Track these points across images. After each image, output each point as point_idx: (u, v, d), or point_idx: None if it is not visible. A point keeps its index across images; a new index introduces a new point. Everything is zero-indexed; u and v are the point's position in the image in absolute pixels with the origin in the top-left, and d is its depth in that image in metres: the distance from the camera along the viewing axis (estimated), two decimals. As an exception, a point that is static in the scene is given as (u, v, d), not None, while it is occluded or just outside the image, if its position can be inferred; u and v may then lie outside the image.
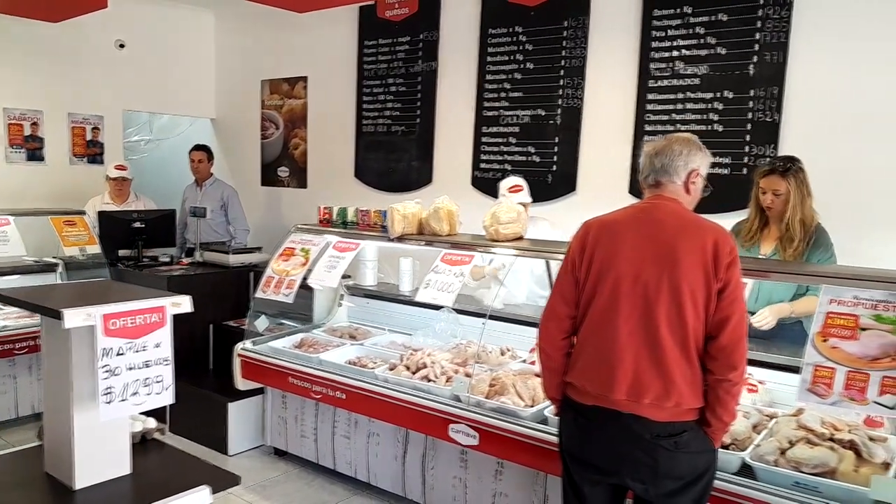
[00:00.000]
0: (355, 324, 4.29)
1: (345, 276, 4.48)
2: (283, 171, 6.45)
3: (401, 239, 3.63)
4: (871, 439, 2.38)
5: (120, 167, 5.54)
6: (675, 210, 2.11)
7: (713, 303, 1.98)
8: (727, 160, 3.96)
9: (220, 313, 4.65)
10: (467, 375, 3.18)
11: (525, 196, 3.92)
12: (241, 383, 3.90)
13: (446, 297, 3.18)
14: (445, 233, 3.54)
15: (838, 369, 2.19)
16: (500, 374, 3.09)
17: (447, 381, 3.15)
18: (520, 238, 3.39)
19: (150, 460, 2.23)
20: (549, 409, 2.76)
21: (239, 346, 3.89)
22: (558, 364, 2.17)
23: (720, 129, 3.99)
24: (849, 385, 2.15)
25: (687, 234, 2.03)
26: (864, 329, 2.23)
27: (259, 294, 3.92)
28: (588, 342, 2.10)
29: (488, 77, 4.94)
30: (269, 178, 6.58)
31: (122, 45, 6.30)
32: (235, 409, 4.05)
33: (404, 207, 3.61)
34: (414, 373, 3.26)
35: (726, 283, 1.99)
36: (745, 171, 3.90)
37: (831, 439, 2.35)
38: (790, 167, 3.17)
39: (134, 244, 4.97)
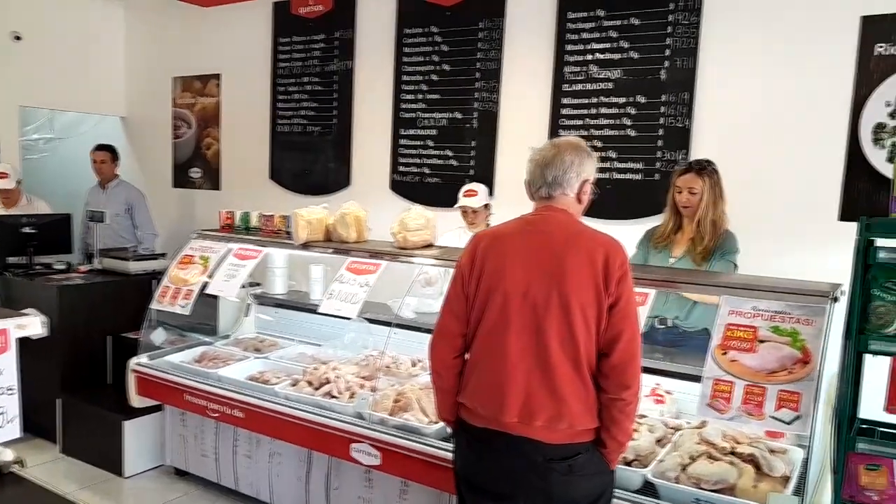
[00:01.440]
0: (263, 335, 4.09)
1: (253, 285, 4.29)
2: (195, 173, 6.16)
3: (306, 246, 3.46)
4: (771, 451, 2.36)
5: (1, 175, 5.08)
6: (564, 222, 2.02)
7: (604, 319, 1.90)
8: (639, 165, 3.95)
9: (119, 324, 4.36)
10: (373, 390, 3.04)
11: (481, 199, 3.94)
12: (136, 400, 3.65)
13: (350, 308, 3.03)
14: (353, 240, 3.40)
15: (737, 383, 2.15)
16: (405, 389, 2.96)
17: (351, 397, 3.00)
18: (429, 245, 3.28)
19: (3, 499, 2.01)
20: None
21: (133, 360, 3.64)
22: (450, 384, 2.05)
23: (633, 134, 3.97)
24: (747, 399, 2.11)
25: (576, 247, 1.94)
26: (762, 341, 2.19)
27: (154, 305, 3.68)
28: (479, 362, 1.99)
29: (405, 78, 4.81)
30: (181, 179, 6.28)
31: (17, 38, 5.88)
32: (132, 428, 3.79)
33: (309, 213, 3.44)
34: (317, 389, 3.10)
35: (617, 299, 1.90)
36: (657, 176, 3.89)
37: (732, 453, 2.31)
38: (706, 167, 3.22)
39: (24, 251, 4.62)
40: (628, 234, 3.85)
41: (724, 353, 2.21)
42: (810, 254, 3.46)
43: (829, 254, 3.40)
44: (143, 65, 6.46)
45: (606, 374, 1.90)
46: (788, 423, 2.03)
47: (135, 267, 4.57)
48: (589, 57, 4.08)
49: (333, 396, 3.03)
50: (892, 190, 1.90)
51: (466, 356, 2.06)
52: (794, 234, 3.55)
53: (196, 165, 6.14)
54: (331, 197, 5.04)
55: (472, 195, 3.93)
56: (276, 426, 3.08)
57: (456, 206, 3.97)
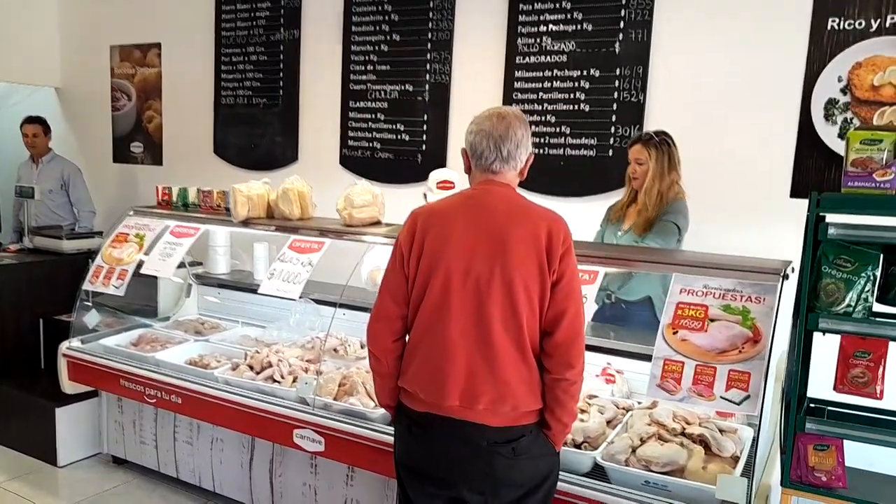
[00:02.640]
0: (205, 317, 3.92)
1: (195, 264, 4.12)
2: (136, 147, 5.88)
3: (246, 223, 3.30)
4: (721, 431, 2.33)
5: None
6: (507, 196, 1.93)
7: (547, 297, 1.82)
8: (593, 141, 3.87)
9: (52, 306, 4.14)
10: (318, 374, 2.93)
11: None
12: (69, 386, 3.47)
13: (292, 289, 2.90)
14: (296, 216, 3.25)
15: (687, 363, 2.10)
16: (351, 372, 2.85)
17: (294, 382, 2.88)
18: (377, 223, 3.15)
19: None
20: (400, 410, 2.55)
21: (64, 344, 3.45)
22: (390, 369, 1.95)
23: (587, 108, 3.88)
24: (697, 380, 2.06)
25: (519, 222, 1.85)
26: (713, 320, 2.15)
27: (87, 286, 3.49)
28: (420, 344, 1.89)
29: (354, 48, 4.63)
30: (121, 153, 5.99)
31: (-63, 1, 5.50)
32: (65, 415, 3.61)
33: (249, 188, 3.28)
34: (258, 373, 2.97)
35: (560, 276, 1.83)
36: (610, 152, 3.82)
37: (683, 433, 2.27)
38: (652, 138, 3.19)
39: (-52, 230, 4.35)
40: (582, 211, 3.79)
41: (675, 333, 2.16)
42: (762, 230, 3.45)
43: (780, 230, 3.39)
44: (78, 32, 6.11)
45: (550, 354, 1.83)
46: (738, 404, 1.98)
47: (69, 246, 4.35)
48: (542, 28, 3.96)
49: (276, 381, 2.91)
50: (844, 165, 1.85)
51: (406, 339, 1.96)
52: (746, 211, 3.52)
53: (137, 139, 5.86)
54: (278, 172, 4.87)
55: (450, 187, 3.63)
56: (215, 412, 2.95)
57: (431, 199, 3.68)
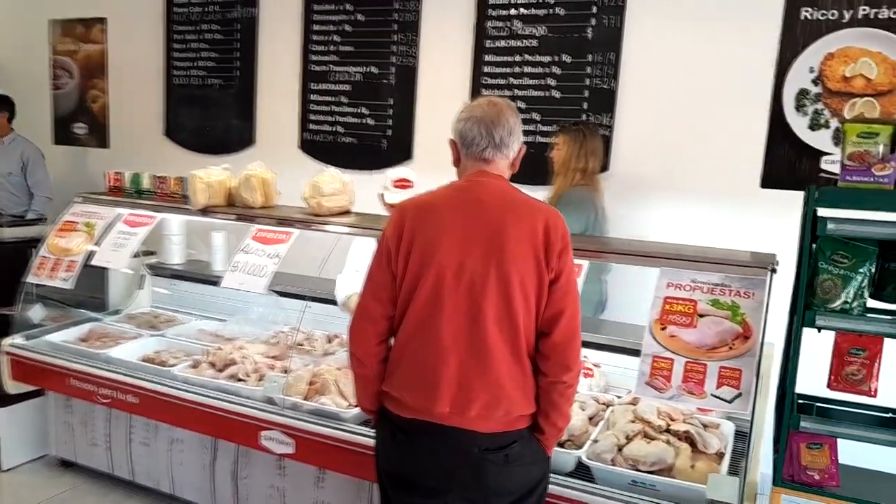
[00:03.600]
0: (159, 310, 3.72)
1: (148, 254, 3.90)
2: (80, 128, 5.56)
3: (205, 212, 3.12)
4: (704, 426, 2.29)
5: None
6: (501, 188, 1.83)
7: (545, 296, 1.73)
8: (565, 128, 3.79)
9: (-10, 299, 3.87)
10: (285, 371, 2.79)
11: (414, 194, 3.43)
12: (12, 386, 3.24)
13: (257, 282, 2.74)
14: (259, 205, 3.09)
15: (676, 360, 2.05)
16: (321, 370, 2.72)
17: (260, 380, 2.74)
18: (347, 212, 3.01)
19: None
20: (375, 409, 2.44)
21: (6, 341, 3.22)
22: (374, 372, 1.83)
23: (558, 95, 3.81)
24: (687, 377, 2.01)
25: (516, 217, 1.75)
26: (701, 315, 2.09)
27: (31, 278, 3.25)
28: (408, 347, 1.78)
29: (315, 28, 4.44)
30: (63, 135, 5.66)
31: None
32: (8, 416, 3.37)
33: (208, 175, 3.09)
34: (220, 370, 2.81)
35: (559, 274, 1.74)
36: (582, 140, 3.75)
37: (668, 430, 2.23)
38: (569, 126, 3.42)
39: None
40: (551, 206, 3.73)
41: (663, 329, 2.10)
42: (733, 220, 3.45)
43: (751, 221, 3.40)
44: (12, 5, 5.73)
45: (547, 356, 1.74)
46: (730, 402, 1.94)
47: (9, 233, 4.07)
48: (513, 11, 3.86)
49: (240, 379, 2.76)
50: (841, 158, 1.81)
51: (391, 341, 1.84)
52: (716, 201, 3.51)
53: (81, 120, 5.54)
54: (233, 157, 4.66)
55: (408, 186, 3.50)
56: (175, 413, 2.78)
57: (389, 199, 3.50)
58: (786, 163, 3.34)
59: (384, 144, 4.31)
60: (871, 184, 1.76)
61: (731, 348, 2.01)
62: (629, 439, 2.18)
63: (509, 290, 1.69)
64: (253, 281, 2.75)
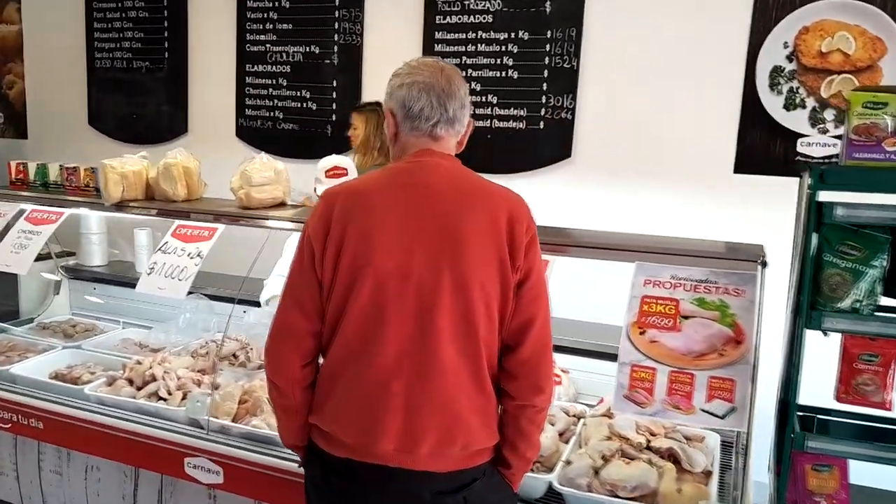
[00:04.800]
0: (79, 317, 3.32)
1: (65, 254, 3.50)
2: (-6, 117, 5.07)
3: (120, 206, 2.74)
4: (687, 439, 2.04)
5: None
6: (453, 172, 1.51)
7: (510, 302, 1.44)
8: (523, 112, 3.52)
9: None
10: (214, 388, 2.45)
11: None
12: None
13: (177, 286, 2.39)
14: (182, 198, 2.72)
15: (659, 369, 1.78)
16: (254, 386, 2.39)
17: (184, 399, 2.39)
18: (282, 204, 2.67)
19: None
20: (315, 431, 2.13)
21: None
22: (298, 402, 1.51)
23: (515, 75, 3.52)
24: (672, 389, 1.75)
25: (473, 206, 1.44)
26: (686, 317, 1.83)
27: (-81, 287, 2.83)
28: (342, 371, 1.45)
29: (251, 4, 4.07)
30: (-25, 125, 5.16)
31: None
32: None
33: (122, 164, 2.71)
34: (139, 388, 2.46)
35: (527, 274, 1.45)
36: (541, 124, 3.48)
37: (649, 447, 1.97)
38: (363, 106, 3.53)
39: None
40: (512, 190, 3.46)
41: (642, 333, 1.83)
42: (703, 209, 3.22)
43: (724, 207, 3.18)
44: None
45: (514, 374, 1.45)
46: (722, 418, 1.68)
47: None
48: (465, -16, 3.56)
49: (161, 398, 2.41)
50: (846, 133, 1.56)
51: (319, 361, 1.52)
52: (685, 187, 3.29)
53: (-5, 108, 5.05)
54: (165, 146, 4.27)
55: (342, 174, 3.20)
56: (87, 439, 2.41)
57: (321, 191, 3.20)
58: (760, 146, 3.13)
59: (329, 130, 3.98)
60: (882, 162, 1.51)
61: (721, 355, 1.75)
62: (606, 460, 1.91)
63: (468, 297, 1.38)
64: (172, 285, 2.39)
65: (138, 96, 4.49)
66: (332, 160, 3.00)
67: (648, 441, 1.99)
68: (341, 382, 1.44)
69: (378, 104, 3.44)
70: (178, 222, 2.57)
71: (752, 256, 1.90)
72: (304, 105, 4.01)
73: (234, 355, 2.78)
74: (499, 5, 3.50)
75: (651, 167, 3.31)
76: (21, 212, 2.88)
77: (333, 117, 3.95)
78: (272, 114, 4.09)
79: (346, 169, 2.99)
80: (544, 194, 2.94)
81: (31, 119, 4.96)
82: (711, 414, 1.70)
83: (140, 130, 4.51)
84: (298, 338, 1.46)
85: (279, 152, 3.96)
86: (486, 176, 3.28)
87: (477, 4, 3.54)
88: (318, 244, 1.43)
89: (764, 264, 1.88)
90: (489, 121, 3.55)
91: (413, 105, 1.48)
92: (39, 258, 2.86)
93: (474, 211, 1.43)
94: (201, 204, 2.71)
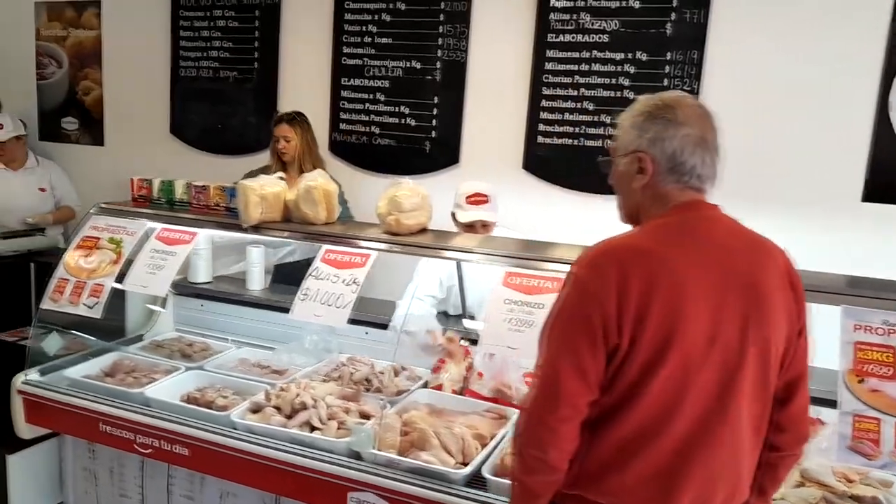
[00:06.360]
0: (187, 334, 3.27)
1: (169, 270, 3.44)
2: (69, 123, 5.04)
3: (257, 228, 2.70)
4: (883, 485, 1.99)
5: None
6: (731, 224, 1.45)
7: (789, 356, 1.41)
8: (639, 132, 3.45)
9: (-16, 323, 3.39)
10: (364, 417, 2.40)
11: (490, 212, 2.92)
12: (26, 430, 2.77)
13: (337, 314, 2.34)
14: (322, 220, 2.67)
15: (885, 420, 1.73)
16: (413, 416, 2.33)
17: (339, 428, 2.34)
18: (424, 230, 2.63)
19: None
20: (487, 468, 2.08)
21: (19, 378, 2.75)
22: (560, 476, 1.39)
23: (631, 96, 3.46)
24: (902, 442, 1.69)
25: (764, 261, 1.40)
26: (905, 365, 1.78)
27: (48, 304, 2.79)
28: (636, 444, 1.34)
29: (348, 17, 4.03)
30: (50, 130, 5.12)
31: None
32: (21, 463, 2.89)
33: (262, 186, 2.67)
34: (289, 417, 2.40)
35: (803, 326, 1.43)
36: (658, 145, 3.42)
37: (852, 496, 1.91)
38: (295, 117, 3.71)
39: None
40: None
41: (861, 381, 1.78)
42: (827, 238, 3.15)
43: (851, 240, 3.12)
44: (-7, -15, 5.17)
45: (784, 427, 1.43)
46: (962, 473, 1.63)
47: (3, 246, 3.57)
48: (581, 3, 3.51)
49: (315, 427, 2.35)
50: None
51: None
52: (808, 216, 3.23)
53: (71, 114, 5.02)
54: (250, 158, 4.25)
55: (483, 201, 2.90)
56: (236, 468, 2.36)
57: (462, 219, 2.92)
58: (894, 173, 3.07)
59: (427, 147, 3.93)
60: None
61: (950, 406, 1.70)
62: (813, 509, 1.86)
63: (767, 357, 1.34)
64: (330, 312, 2.35)
65: (224, 106, 4.45)
66: (474, 186, 2.96)
67: (847, 489, 1.94)
68: (635, 455, 1.36)
69: (303, 115, 3.73)
70: (326, 247, 2.52)
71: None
72: (403, 121, 3.96)
73: (366, 380, 2.74)
74: (616, 25, 3.45)
75: (770, 190, 3.26)
76: (150, 231, 2.84)
77: (433, 134, 3.90)
78: (368, 129, 4.05)
79: (486, 196, 2.94)
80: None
81: (108, 126, 4.93)
82: (950, 469, 1.64)
83: (225, 141, 4.47)
84: (578, 406, 1.34)
85: (374, 168, 3.95)
86: (595, 195, 3.27)
87: (593, 24, 3.49)
88: (612, 309, 1.31)
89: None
90: (602, 140, 3.50)
91: (686, 160, 1.41)
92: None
93: (767, 265, 1.39)
94: (345, 228, 2.66)
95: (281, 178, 2.73)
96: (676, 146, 1.41)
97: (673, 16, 3.35)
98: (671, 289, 1.32)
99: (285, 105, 4.29)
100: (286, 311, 3.09)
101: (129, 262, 2.77)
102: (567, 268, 2.24)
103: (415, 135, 3.94)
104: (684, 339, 1.31)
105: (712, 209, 1.45)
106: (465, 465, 2.13)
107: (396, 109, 3.97)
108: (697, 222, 1.43)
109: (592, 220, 3.45)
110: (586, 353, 1.32)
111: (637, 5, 3.41)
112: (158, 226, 2.84)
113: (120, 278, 2.75)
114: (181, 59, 4.56)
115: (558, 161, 3.52)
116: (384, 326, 3.01)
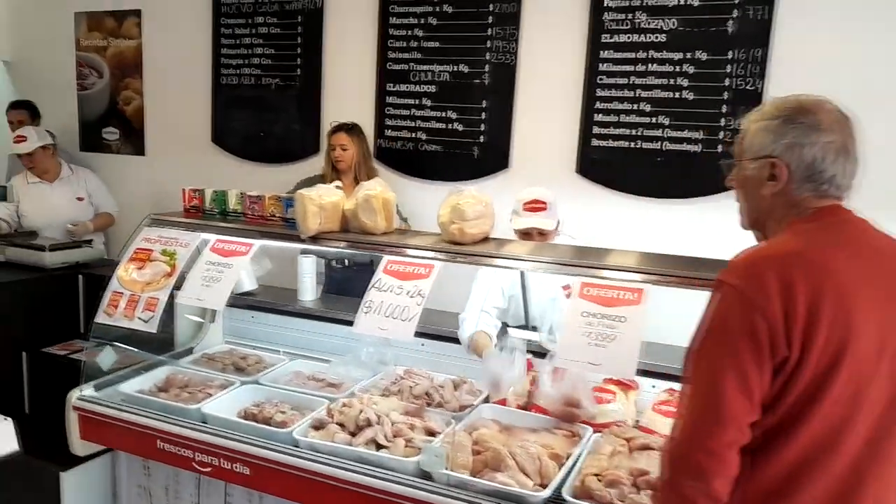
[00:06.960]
0: (237, 347, 3.21)
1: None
2: (110, 133, 5.03)
3: (315, 239, 2.62)
4: None
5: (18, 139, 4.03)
6: (872, 228, 1.40)
7: None
8: (699, 135, 3.35)
9: (37, 336, 3.35)
10: (429, 434, 2.31)
11: (546, 220, 2.79)
12: (80, 447, 2.72)
13: (402, 327, 2.25)
14: (381, 230, 2.59)
15: None
16: (484, 435, 2.23)
17: (406, 446, 2.25)
18: (486, 239, 2.53)
19: None
20: (567, 490, 1.98)
21: (75, 394, 2.69)
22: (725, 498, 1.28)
23: (691, 97, 3.36)
24: None
25: None
26: None
27: (103, 318, 2.74)
28: (804, 466, 1.25)
29: (394, 21, 3.96)
30: (91, 141, 5.12)
31: None
32: (74, 480, 2.85)
33: (320, 196, 2.59)
34: (353, 434, 2.32)
35: None
36: (719, 147, 3.31)
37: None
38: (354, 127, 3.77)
39: None
40: (683, 215, 3.29)
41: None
42: None
43: None
44: (34, -3, 5.19)
45: None
46: None
47: (52, 259, 3.54)
48: (636, 2, 3.40)
49: (381, 445, 2.27)
50: None
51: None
52: (883, 220, 3.07)
53: (112, 124, 5.01)
54: (295, 166, 4.21)
55: (541, 208, 2.81)
56: (301, 488, 2.28)
57: (517, 225, 2.83)
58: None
59: (475, 152, 3.84)
60: None
61: None
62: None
63: None
64: (396, 325, 2.26)
65: (267, 114, 4.40)
66: (534, 192, 2.86)
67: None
68: (806, 479, 1.26)
69: (359, 126, 3.78)
70: (387, 258, 2.44)
71: None
72: (450, 126, 3.88)
73: (426, 394, 2.65)
74: (674, 24, 3.34)
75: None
76: (203, 242, 2.78)
77: (482, 139, 3.81)
78: (414, 135, 3.97)
79: (545, 203, 2.83)
80: (724, 221, 2.78)
81: (149, 135, 4.91)
82: None
83: (268, 148, 4.43)
84: (744, 431, 1.24)
85: (420, 174, 3.87)
86: (652, 199, 3.11)
87: (649, 23, 3.38)
88: (778, 322, 1.21)
89: None
90: (660, 143, 3.38)
91: (826, 168, 1.34)
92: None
93: None
94: (406, 238, 2.58)
95: (338, 188, 2.66)
96: (817, 154, 1.34)
97: (735, 13, 3.23)
98: (838, 295, 1.23)
99: (329, 112, 4.24)
100: (338, 322, 3.05)
101: (182, 275, 2.72)
102: (640, 277, 2.19)
103: (462, 140, 3.85)
104: (856, 349, 1.22)
105: (852, 213, 1.39)
106: (544, 486, 2.03)
107: (443, 115, 3.89)
108: (845, 225, 1.36)
109: (651, 224, 3.37)
110: (752, 368, 1.21)
111: (696, 3, 3.29)
112: (213, 237, 2.78)
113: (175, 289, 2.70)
114: (223, 66, 4.52)
115: (614, 164, 3.41)
116: (439, 337, 2.93)
